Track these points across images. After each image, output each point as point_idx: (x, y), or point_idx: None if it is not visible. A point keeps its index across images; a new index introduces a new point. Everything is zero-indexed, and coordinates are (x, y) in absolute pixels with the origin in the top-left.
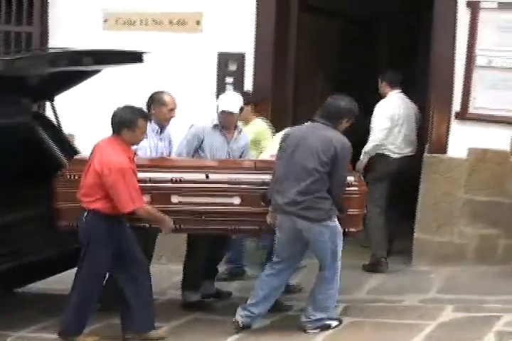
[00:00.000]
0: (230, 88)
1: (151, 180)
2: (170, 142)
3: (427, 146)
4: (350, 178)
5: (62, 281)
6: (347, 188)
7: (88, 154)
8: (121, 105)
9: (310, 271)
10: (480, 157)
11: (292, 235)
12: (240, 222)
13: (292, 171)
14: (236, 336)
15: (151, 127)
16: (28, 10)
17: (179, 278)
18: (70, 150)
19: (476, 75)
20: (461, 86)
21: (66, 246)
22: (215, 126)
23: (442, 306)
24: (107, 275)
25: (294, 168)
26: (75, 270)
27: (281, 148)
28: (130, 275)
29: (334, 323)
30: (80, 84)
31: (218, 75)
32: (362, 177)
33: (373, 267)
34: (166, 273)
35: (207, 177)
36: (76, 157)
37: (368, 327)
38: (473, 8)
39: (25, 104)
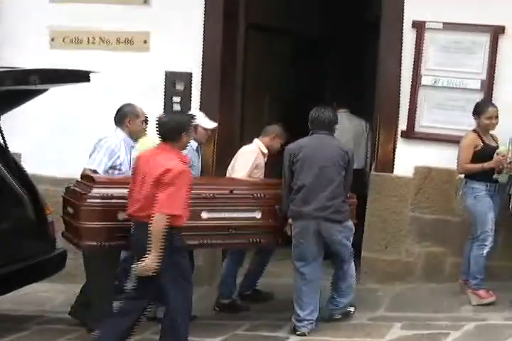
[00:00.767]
0: (177, 107)
1: None
2: None
3: (373, 165)
4: None
5: None
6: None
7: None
8: (164, 114)
9: None
10: (426, 175)
11: (316, 238)
12: (261, 234)
13: (318, 180)
14: None
15: (126, 142)
16: None
17: None
18: (16, 169)
19: (422, 95)
20: (407, 105)
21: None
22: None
23: (390, 324)
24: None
25: (319, 177)
26: None
27: (296, 162)
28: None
29: (352, 309)
30: (27, 103)
31: (166, 94)
32: None
33: None
34: None
35: (231, 192)
36: (100, 177)
37: None
38: (419, 28)
39: None
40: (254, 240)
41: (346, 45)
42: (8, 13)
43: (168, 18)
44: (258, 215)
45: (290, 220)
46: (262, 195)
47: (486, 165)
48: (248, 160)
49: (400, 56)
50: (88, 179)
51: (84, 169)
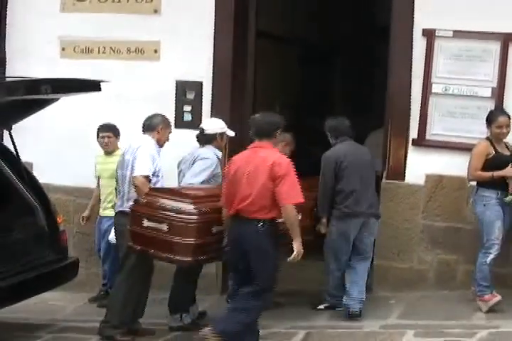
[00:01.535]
0: (188, 116)
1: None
2: None
3: (384, 173)
4: None
5: None
6: None
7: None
8: (259, 114)
9: None
10: (438, 183)
11: (356, 234)
12: None
13: (364, 183)
14: None
15: (156, 149)
16: None
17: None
18: (28, 178)
19: (433, 102)
20: (417, 113)
21: None
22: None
23: (403, 331)
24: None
25: (363, 181)
26: None
27: (344, 168)
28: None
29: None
30: (38, 112)
31: (176, 103)
32: None
33: None
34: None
35: None
36: (190, 192)
37: None
38: (429, 36)
39: None
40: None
41: (356, 52)
42: (19, 22)
43: (179, 27)
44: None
45: (324, 220)
46: None
47: (496, 174)
48: None
49: (411, 64)
50: (171, 193)
51: (136, 177)
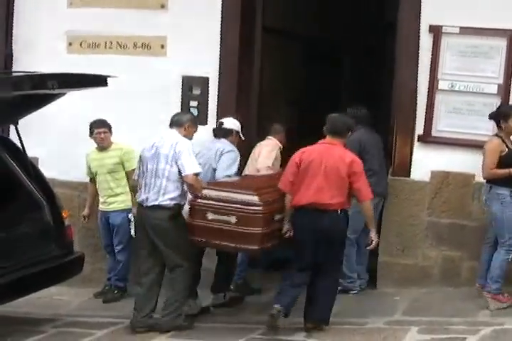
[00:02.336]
0: (194, 111)
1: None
2: None
3: (390, 169)
4: None
5: None
6: None
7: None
8: (335, 114)
9: None
10: (443, 180)
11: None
12: None
13: (381, 164)
14: None
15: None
16: None
17: None
18: (33, 173)
19: (439, 99)
20: (423, 109)
21: None
22: None
23: (407, 328)
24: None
25: (382, 163)
26: None
27: (368, 151)
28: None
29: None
30: (45, 107)
31: (182, 99)
32: None
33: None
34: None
35: None
36: (252, 184)
37: None
38: (436, 32)
39: None
40: None
41: (362, 49)
42: (26, 18)
43: (186, 22)
44: None
45: None
46: None
47: None
48: (271, 153)
49: (417, 60)
50: (231, 186)
51: (188, 176)
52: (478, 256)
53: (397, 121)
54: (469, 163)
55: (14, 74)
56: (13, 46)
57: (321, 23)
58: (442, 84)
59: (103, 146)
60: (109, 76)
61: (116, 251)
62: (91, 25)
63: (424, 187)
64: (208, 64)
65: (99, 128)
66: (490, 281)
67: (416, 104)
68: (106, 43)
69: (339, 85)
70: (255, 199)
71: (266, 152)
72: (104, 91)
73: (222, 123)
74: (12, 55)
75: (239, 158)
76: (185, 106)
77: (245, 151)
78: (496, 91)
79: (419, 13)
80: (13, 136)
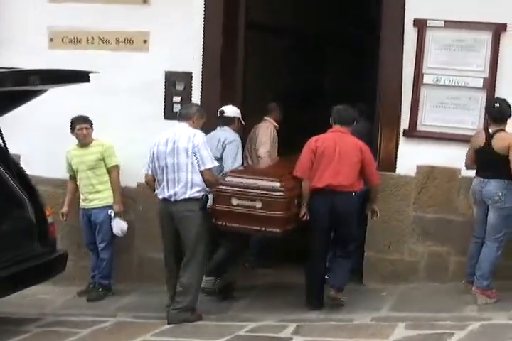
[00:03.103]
0: (177, 107)
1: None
2: None
3: (375, 164)
4: None
5: None
6: None
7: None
8: (340, 106)
9: None
10: (429, 174)
11: None
12: None
13: None
14: None
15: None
16: None
17: (127, 300)
18: (16, 170)
19: (424, 93)
20: (408, 104)
21: None
22: None
23: (394, 324)
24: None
25: None
26: None
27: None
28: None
29: None
30: (26, 103)
31: (166, 94)
32: None
33: None
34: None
35: None
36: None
37: None
38: (420, 26)
39: None
40: None
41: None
42: (6, 13)
43: (168, 17)
44: None
45: None
46: None
47: None
48: (268, 136)
49: (402, 54)
50: (253, 173)
51: (204, 171)
52: (464, 251)
53: (382, 116)
54: (455, 158)
55: None
56: None
57: (306, 18)
58: (427, 78)
59: (85, 143)
60: (91, 72)
61: (99, 248)
62: (73, 21)
63: (409, 182)
64: (191, 59)
65: (81, 124)
66: (481, 278)
67: (401, 98)
68: (88, 39)
69: (324, 80)
70: (278, 185)
71: (263, 139)
72: (86, 87)
73: (223, 112)
74: None
75: (241, 146)
76: (168, 101)
77: None
78: (481, 85)
79: (404, 6)
80: None
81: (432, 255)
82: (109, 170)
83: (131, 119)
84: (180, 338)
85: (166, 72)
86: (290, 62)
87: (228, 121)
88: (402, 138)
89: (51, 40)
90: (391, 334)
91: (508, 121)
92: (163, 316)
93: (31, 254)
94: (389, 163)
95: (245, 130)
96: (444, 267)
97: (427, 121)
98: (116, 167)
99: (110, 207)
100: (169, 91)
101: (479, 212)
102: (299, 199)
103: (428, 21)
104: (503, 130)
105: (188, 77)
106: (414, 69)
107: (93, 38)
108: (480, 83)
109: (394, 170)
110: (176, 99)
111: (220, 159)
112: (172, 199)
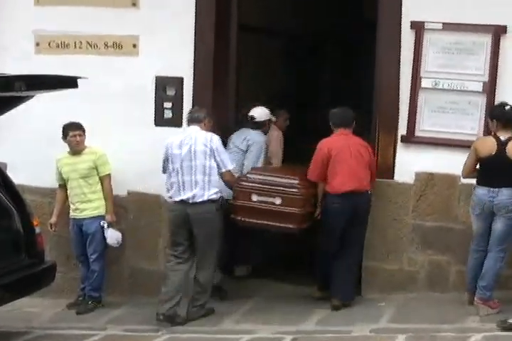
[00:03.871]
0: (168, 113)
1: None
2: None
3: None
4: None
5: None
6: None
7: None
8: (337, 109)
9: None
10: (427, 181)
11: None
12: None
13: None
14: None
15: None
16: None
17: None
18: (2, 179)
19: (422, 98)
20: (406, 108)
21: None
22: None
23: (394, 336)
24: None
25: None
26: None
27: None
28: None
29: None
30: (13, 110)
31: (156, 100)
32: None
33: None
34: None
35: None
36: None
37: None
38: (418, 29)
39: None
40: None
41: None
42: None
43: (158, 21)
44: None
45: None
46: None
47: None
48: (279, 146)
49: (399, 58)
50: (273, 171)
51: (225, 173)
52: (465, 260)
53: (379, 121)
54: (454, 164)
55: None
56: None
57: (300, 20)
58: (425, 82)
59: (77, 150)
60: (79, 77)
61: (90, 260)
62: (59, 25)
63: (408, 190)
64: (182, 63)
65: (75, 131)
66: (484, 289)
67: (398, 103)
68: (75, 43)
69: (319, 83)
70: (297, 182)
71: (274, 149)
72: (74, 92)
73: (253, 118)
74: None
75: (265, 147)
76: (159, 107)
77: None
78: (481, 89)
79: (401, 8)
80: None
81: (431, 264)
82: (101, 179)
83: (121, 126)
84: None
85: (156, 77)
86: (285, 65)
87: (260, 126)
88: (399, 144)
89: (37, 44)
90: None
91: None
92: (155, 329)
93: (18, 266)
94: (387, 170)
95: None
96: (444, 277)
97: (426, 126)
98: (109, 176)
99: (102, 217)
100: (160, 96)
101: (484, 223)
102: (314, 199)
103: (426, 24)
104: None
105: (179, 82)
106: (412, 73)
107: (81, 42)
108: (480, 87)
109: (392, 177)
110: (167, 104)
111: (244, 152)
112: (190, 201)
